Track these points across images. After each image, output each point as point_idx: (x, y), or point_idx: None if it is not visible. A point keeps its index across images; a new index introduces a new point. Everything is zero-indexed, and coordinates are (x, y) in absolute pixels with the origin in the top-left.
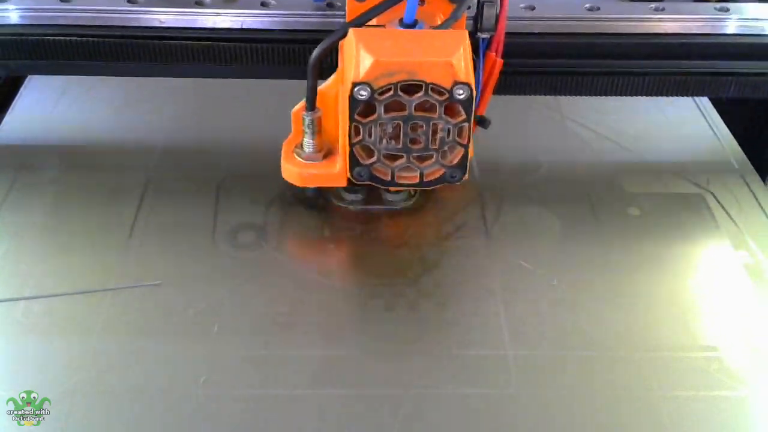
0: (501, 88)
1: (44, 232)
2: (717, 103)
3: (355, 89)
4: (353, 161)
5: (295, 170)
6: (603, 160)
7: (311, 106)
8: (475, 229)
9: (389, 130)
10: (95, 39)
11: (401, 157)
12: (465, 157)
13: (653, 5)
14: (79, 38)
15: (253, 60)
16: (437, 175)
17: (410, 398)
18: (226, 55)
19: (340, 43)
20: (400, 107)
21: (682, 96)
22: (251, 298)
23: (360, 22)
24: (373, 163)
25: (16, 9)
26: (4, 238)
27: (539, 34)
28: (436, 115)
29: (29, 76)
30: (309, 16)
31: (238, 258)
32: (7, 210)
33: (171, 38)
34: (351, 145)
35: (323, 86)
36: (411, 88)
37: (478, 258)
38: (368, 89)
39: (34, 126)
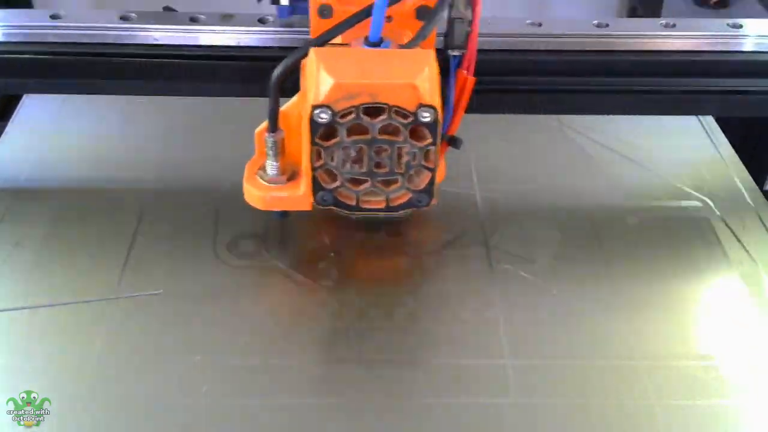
0: (507, 107)
1: (46, 242)
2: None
3: (315, 112)
4: (316, 185)
5: (258, 193)
6: (602, 170)
7: (273, 127)
8: (475, 239)
9: (352, 153)
10: (87, 57)
11: (366, 181)
12: (432, 181)
13: (663, 21)
14: (71, 56)
15: (250, 78)
16: (404, 200)
17: (409, 407)
18: (222, 72)
19: (302, 62)
20: (363, 130)
21: (695, 114)
22: (252, 306)
23: (323, 40)
24: (337, 187)
25: (6, 26)
26: (7, 248)
27: (546, 51)
28: (400, 139)
29: None
30: (308, 33)
31: (238, 267)
32: (9, 220)
33: (166, 56)
34: (313, 169)
35: (286, 106)
36: (374, 110)
37: (477, 267)
38: (329, 112)
39: (35, 137)
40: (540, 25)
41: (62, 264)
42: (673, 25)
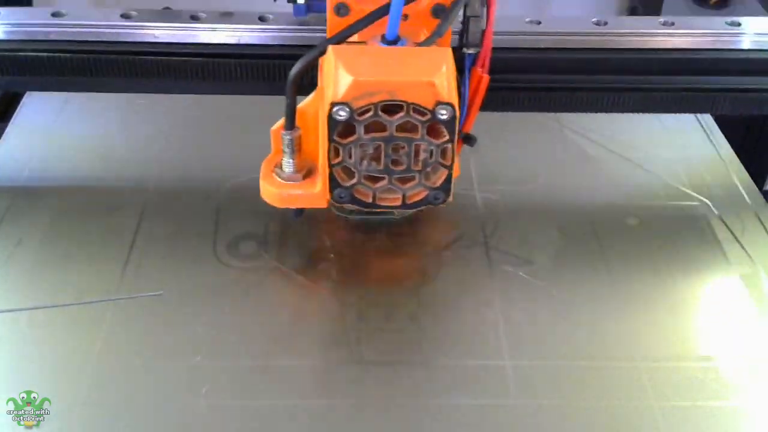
0: (506, 105)
1: (46, 242)
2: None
3: (334, 109)
4: (333, 183)
5: (275, 191)
6: (601, 171)
7: (290, 125)
8: (474, 240)
9: (370, 151)
10: (88, 55)
11: (383, 178)
12: (449, 178)
13: (662, 20)
14: (72, 54)
15: (251, 76)
16: (420, 197)
17: (409, 408)
18: (222, 71)
19: (319, 59)
20: (381, 128)
21: (693, 113)
22: (252, 308)
23: (340, 38)
24: (354, 184)
25: (7, 24)
26: (7, 249)
27: (545, 49)
28: (418, 136)
29: None
30: (309, 31)
31: (239, 268)
32: (10, 221)
33: (165, 54)
34: (330, 166)
35: (302, 104)
36: (392, 108)
37: (476, 268)
38: (347, 109)
39: (35, 137)
40: (539, 23)
41: (62, 264)
42: (672, 24)
